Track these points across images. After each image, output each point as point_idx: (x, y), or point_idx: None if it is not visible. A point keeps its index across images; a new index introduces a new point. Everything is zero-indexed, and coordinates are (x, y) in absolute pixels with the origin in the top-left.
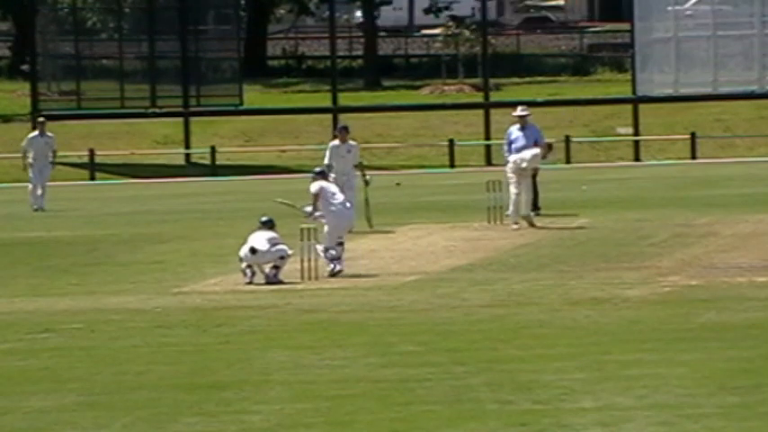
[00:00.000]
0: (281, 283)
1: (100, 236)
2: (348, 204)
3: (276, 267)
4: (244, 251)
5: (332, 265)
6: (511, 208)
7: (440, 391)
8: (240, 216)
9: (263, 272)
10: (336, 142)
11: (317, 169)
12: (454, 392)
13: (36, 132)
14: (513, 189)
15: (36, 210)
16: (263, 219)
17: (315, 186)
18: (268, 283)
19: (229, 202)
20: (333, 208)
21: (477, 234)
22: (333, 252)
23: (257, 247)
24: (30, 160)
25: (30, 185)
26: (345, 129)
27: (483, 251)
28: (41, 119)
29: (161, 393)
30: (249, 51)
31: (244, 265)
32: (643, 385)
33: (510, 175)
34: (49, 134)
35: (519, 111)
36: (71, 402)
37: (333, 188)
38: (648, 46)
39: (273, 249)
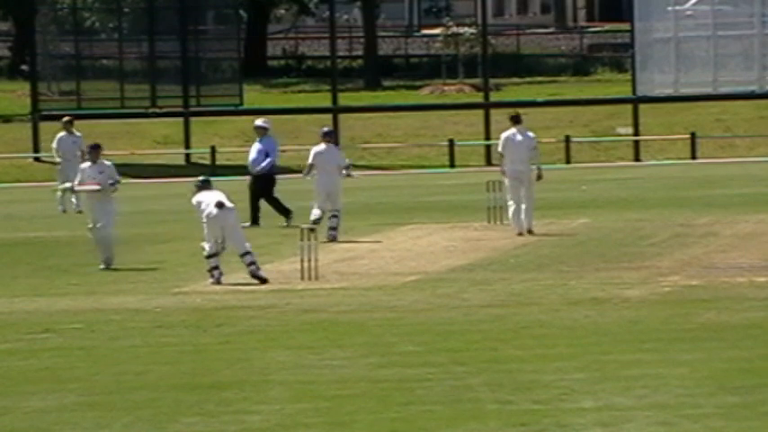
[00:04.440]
0: (264, 280)
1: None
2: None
3: (253, 263)
4: (208, 210)
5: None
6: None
7: (440, 391)
8: (240, 216)
9: (225, 241)
10: (63, 133)
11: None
12: (454, 392)
13: (63, 132)
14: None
15: (64, 211)
16: (202, 178)
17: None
18: (254, 276)
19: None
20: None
21: (477, 234)
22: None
23: (225, 202)
24: (58, 160)
25: (59, 189)
26: (96, 147)
27: (483, 251)
28: (67, 118)
29: (161, 393)
30: (249, 51)
31: (213, 262)
32: (643, 385)
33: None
34: (77, 133)
35: (259, 122)
36: (71, 402)
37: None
38: (648, 46)
39: (239, 230)
